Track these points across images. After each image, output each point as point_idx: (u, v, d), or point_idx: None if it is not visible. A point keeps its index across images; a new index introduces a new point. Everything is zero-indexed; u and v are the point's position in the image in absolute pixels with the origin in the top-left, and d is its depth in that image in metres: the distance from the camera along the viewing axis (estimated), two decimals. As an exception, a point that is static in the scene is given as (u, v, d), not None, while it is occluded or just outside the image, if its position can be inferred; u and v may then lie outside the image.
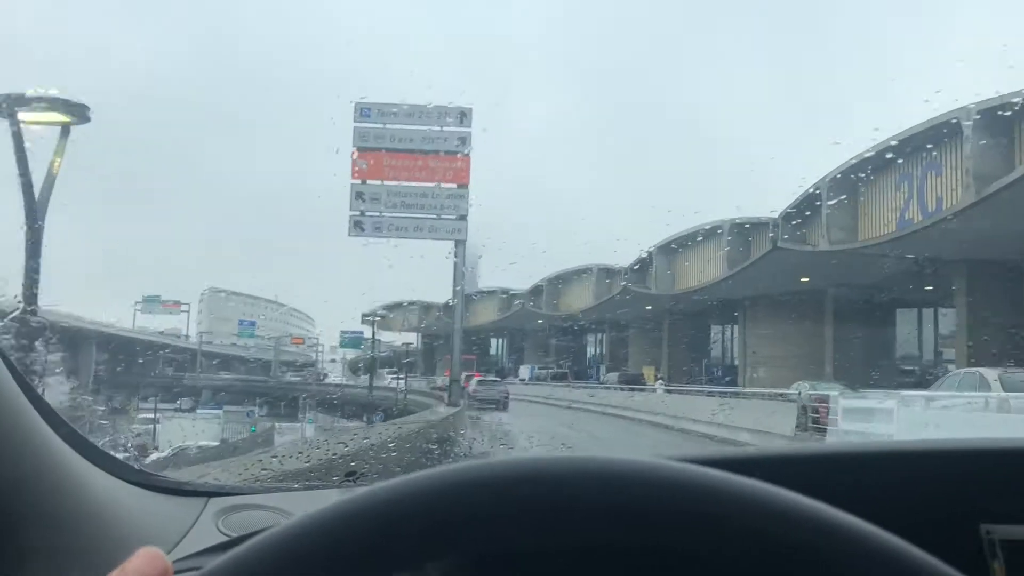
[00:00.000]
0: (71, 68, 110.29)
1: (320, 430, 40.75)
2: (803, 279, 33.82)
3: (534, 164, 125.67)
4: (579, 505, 0.54)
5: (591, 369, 55.23)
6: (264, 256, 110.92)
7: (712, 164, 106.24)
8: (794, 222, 33.92)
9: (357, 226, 23.70)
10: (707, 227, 41.50)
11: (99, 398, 49.51)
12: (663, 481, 0.55)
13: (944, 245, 26.02)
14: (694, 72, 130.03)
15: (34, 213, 8.16)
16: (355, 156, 23.58)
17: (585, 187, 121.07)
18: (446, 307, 57.52)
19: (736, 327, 42.60)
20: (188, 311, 76.50)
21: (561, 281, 56.52)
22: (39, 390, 1.20)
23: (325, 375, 68.28)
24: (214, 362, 73.88)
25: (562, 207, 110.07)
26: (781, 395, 24.65)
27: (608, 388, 39.22)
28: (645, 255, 46.38)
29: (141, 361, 59.19)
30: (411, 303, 67.71)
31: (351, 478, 2.23)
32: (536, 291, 57.90)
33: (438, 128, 24.32)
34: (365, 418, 35.21)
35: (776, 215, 35.34)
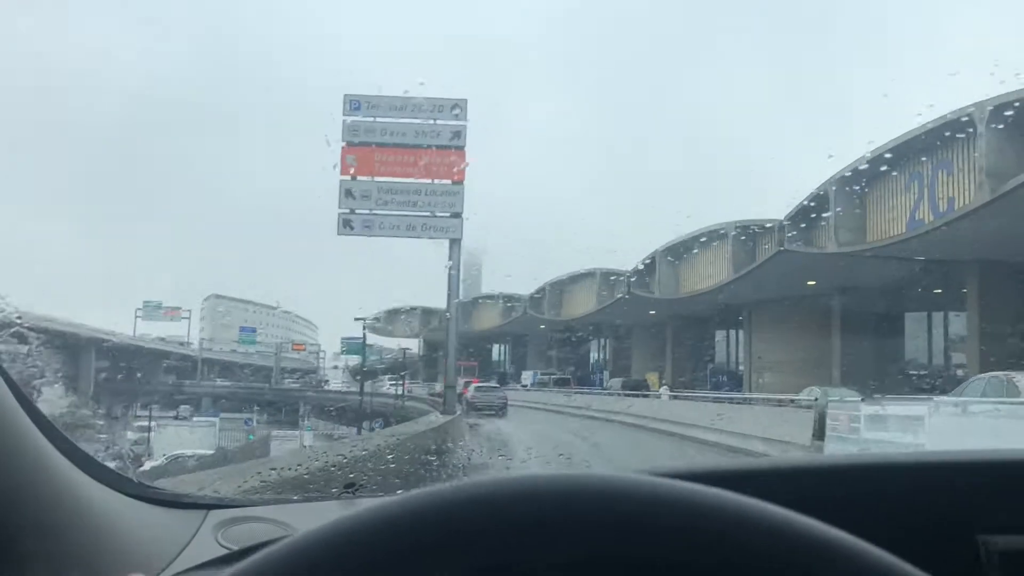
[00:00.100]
0: (71, 72, 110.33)
1: (321, 436, 40.37)
2: (809, 282, 33.14)
3: (535, 168, 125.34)
4: (573, 523, 0.55)
5: (594, 375, 54.67)
6: (267, 262, 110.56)
7: (717, 166, 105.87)
8: (801, 224, 33.31)
9: (347, 224, 22.52)
10: (711, 230, 40.96)
11: (99, 406, 49.24)
12: (653, 498, 0.56)
13: (956, 246, 25.35)
14: (696, 73, 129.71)
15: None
16: (344, 151, 22.39)
17: (587, 190, 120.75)
18: (449, 311, 57.39)
19: (741, 332, 41.96)
20: (189, 318, 76.26)
21: (563, 286, 56.06)
22: (34, 399, 1.18)
23: (325, 382, 67.85)
24: (215, 369, 73.65)
25: (564, 211, 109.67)
26: (792, 401, 23.87)
27: (612, 394, 38.59)
28: (648, 259, 45.89)
29: (140, 371, 58.87)
30: (412, 309, 67.31)
31: (350, 490, 2.04)
32: (538, 296, 57.45)
33: (431, 121, 23.14)
34: (357, 428, 34.76)
35: (782, 217, 34.74)
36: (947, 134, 25.86)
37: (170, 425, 40.85)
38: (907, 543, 0.67)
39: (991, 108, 23.16)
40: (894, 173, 29.82)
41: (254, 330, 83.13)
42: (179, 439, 35.38)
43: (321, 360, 79.27)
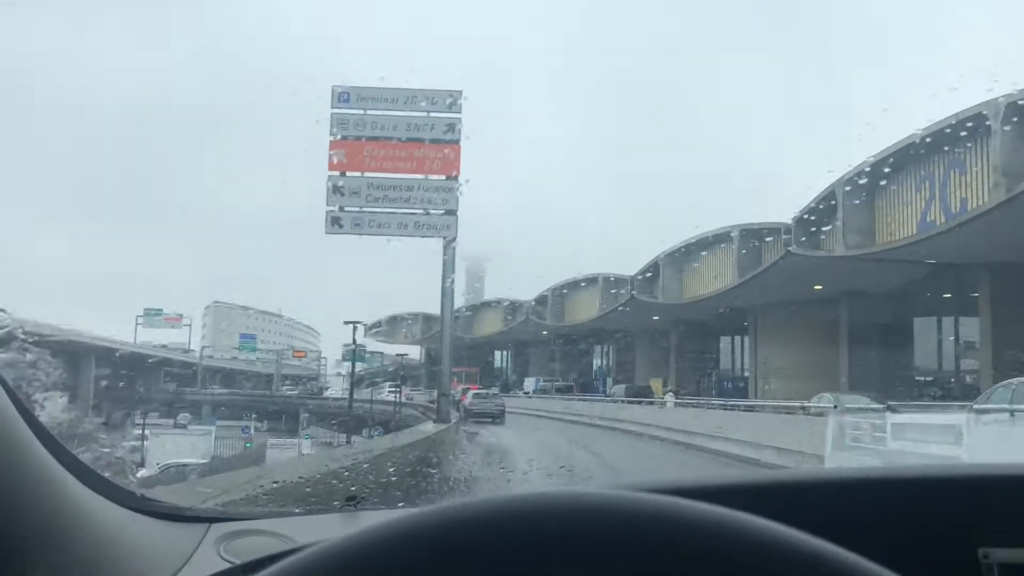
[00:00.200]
0: (71, 81, 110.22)
1: (319, 444, 39.83)
2: (817, 287, 32.46)
3: (537, 174, 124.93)
4: (574, 544, 0.56)
5: (597, 381, 54.15)
6: (269, 268, 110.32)
7: (720, 167, 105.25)
8: (808, 227, 32.66)
9: (335, 223, 21.42)
10: (715, 233, 40.38)
11: (98, 414, 48.83)
12: (629, 515, 0.57)
13: (968, 248, 24.68)
14: (696, 75, 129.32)
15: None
16: (332, 145, 21.38)
17: (589, 195, 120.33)
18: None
19: (747, 337, 41.30)
20: (191, 325, 75.98)
21: (566, 291, 55.54)
22: (34, 407, 1.19)
23: (323, 388, 67.40)
24: (216, 377, 73.32)
25: (567, 217, 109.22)
26: (803, 408, 23.09)
27: (616, 401, 37.95)
28: (652, 264, 45.35)
29: (141, 379, 58.64)
30: (414, 315, 66.82)
31: (351, 502, 1.90)
32: (541, 301, 56.95)
33: (424, 114, 22.09)
34: (347, 438, 34.41)
35: (788, 220, 34.11)
36: (960, 133, 25.17)
37: (165, 433, 40.31)
38: (909, 556, 0.69)
39: (1006, 105, 22.48)
40: (904, 173, 29.17)
41: (254, 337, 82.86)
42: (174, 448, 34.85)
43: (323, 367, 78.92)
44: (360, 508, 1.85)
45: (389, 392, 49.75)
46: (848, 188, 30.48)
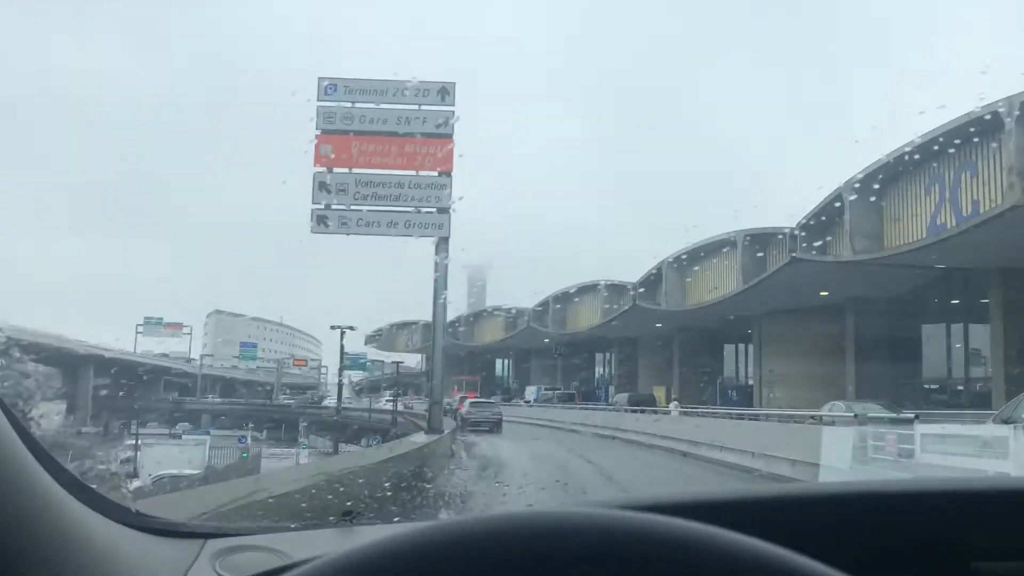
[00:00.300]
0: (71, 90, 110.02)
1: (317, 454, 39.26)
2: (823, 292, 31.79)
3: (538, 180, 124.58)
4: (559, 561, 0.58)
5: (599, 390, 53.54)
6: (270, 277, 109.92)
7: (721, 168, 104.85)
8: (813, 231, 32.02)
9: (321, 221, 20.43)
10: (719, 239, 39.77)
11: (96, 423, 48.31)
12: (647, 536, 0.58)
13: (979, 253, 24.00)
14: (696, 76, 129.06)
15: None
16: (319, 140, 20.38)
17: (590, 201, 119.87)
18: (452, 325, 56.30)
19: (751, 345, 40.61)
20: (191, 333, 75.51)
21: (568, 298, 54.94)
22: (29, 418, 1.20)
23: (323, 397, 66.78)
24: (217, 386, 72.83)
25: (568, 223, 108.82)
26: (813, 417, 22.30)
27: (618, 410, 37.29)
28: (654, 270, 44.74)
29: (140, 388, 58.09)
30: (414, 323, 66.26)
31: (347, 517, 1.83)
32: (542, 309, 56.35)
33: (415, 107, 21.20)
34: (334, 447, 33.82)
35: (793, 223, 33.51)
36: (972, 132, 24.50)
37: (159, 443, 39.65)
38: (903, 570, 0.71)
39: (1022, 103, 21.81)
40: (913, 176, 28.52)
41: (255, 345, 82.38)
42: (168, 458, 34.11)
43: (323, 376, 78.39)
44: (356, 523, 1.81)
45: (387, 401, 49.24)
46: (855, 191, 29.86)
